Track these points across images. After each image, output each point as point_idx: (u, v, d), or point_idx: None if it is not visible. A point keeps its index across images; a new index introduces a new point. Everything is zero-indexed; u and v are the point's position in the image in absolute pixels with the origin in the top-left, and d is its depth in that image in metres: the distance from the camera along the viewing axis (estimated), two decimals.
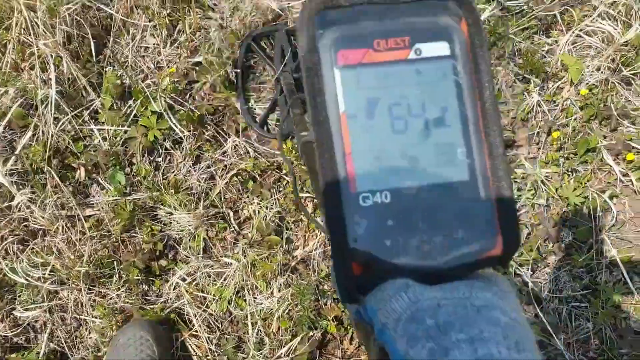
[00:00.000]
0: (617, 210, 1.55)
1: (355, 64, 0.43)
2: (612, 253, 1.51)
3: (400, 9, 0.44)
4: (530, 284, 1.50)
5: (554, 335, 1.45)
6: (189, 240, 1.55)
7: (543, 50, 1.71)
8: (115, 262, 1.55)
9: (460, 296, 0.39)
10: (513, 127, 1.67)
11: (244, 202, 1.60)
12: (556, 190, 1.58)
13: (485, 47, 0.44)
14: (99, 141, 1.61)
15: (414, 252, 0.42)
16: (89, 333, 1.55)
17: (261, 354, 1.49)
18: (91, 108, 1.64)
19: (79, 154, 1.60)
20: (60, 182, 1.55)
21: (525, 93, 1.69)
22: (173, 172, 1.61)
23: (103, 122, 1.62)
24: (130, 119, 1.62)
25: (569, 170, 1.60)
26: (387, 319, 0.40)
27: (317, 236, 1.56)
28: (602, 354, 1.45)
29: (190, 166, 1.60)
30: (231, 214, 1.58)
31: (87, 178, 1.59)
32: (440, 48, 0.43)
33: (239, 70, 1.68)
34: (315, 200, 1.58)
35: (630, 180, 1.58)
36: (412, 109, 0.43)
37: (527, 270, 1.51)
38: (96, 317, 1.54)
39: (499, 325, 0.37)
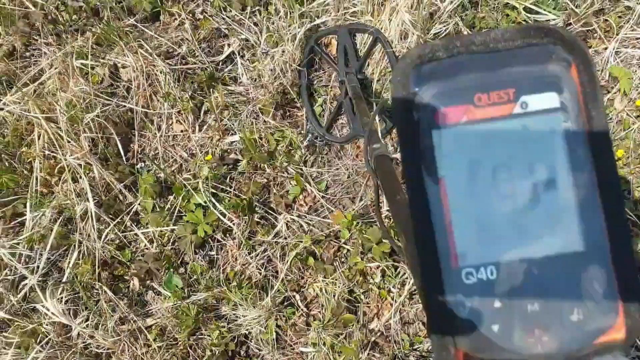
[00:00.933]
0: None
1: (454, 122, 0.39)
2: None
3: (502, 57, 0.39)
4: None
5: None
6: (259, 333, 1.48)
7: None
8: None
9: None
10: None
11: (307, 280, 1.52)
12: (630, 211, 1.49)
13: (599, 94, 0.39)
14: (146, 245, 1.54)
15: (525, 339, 0.37)
16: None
17: None
18: (131, 212, 1.56)
19: (128, 263, 1.52)
20: (114, 297, 1.48)
21: None
22: (229, 263, 1.53)
23: (147, 225, 1.54)
24: (174, 216, 1.54)
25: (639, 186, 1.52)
26: None
27: (391, 304, 1.48)
28: None
29: (246, 254, 1.53)
30: (297, 296, 1.51)
31: (141, 287, 1.52)
32: (548, 100, 0.39)
33: (304, 69, 1.66)
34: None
35: None
36: (519, 171, 0.38)
37: None
38: None
39: None
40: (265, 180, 1.59)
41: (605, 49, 1.62)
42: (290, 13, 1.70)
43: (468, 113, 0.39)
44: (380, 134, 1.47)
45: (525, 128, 0.38)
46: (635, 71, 1.60)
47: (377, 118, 1.55)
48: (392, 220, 1.42)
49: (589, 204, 0.38)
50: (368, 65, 1.69)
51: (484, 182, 0.38)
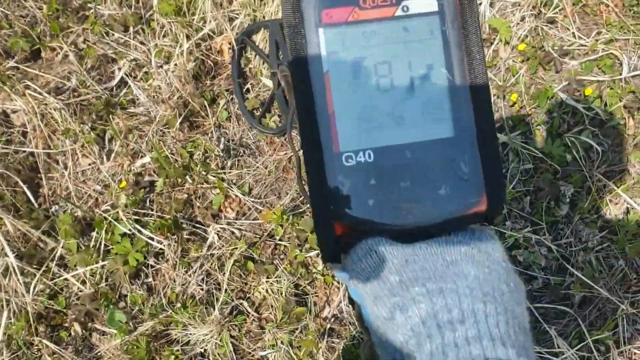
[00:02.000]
0: (597, 145, 1.57)
1: (340, 22, 0.41)
2: (611, 187, 1.53)
3: None
4: (553, 248, 1.50)
5: (594, 285, 1.46)
6: (215, 348, 1.46)
7: None
8: None
9: (431, 252, 0.39)
10: None
11: (251, 285, 1.51)
12: (536, 148, 1.58)
13: (474, 2, 0.43)
14: (79, 287, 1.48)
15: (397, 211, 0.41)
16: None
17: None
18: (56, 257, 1.50)
19: (64, 310, 1.46)
20: (57, 348, 1.41)
21: None
22: (168, 286, 1.50)
23: (75, 267, 1.48)
24: (102, 252, 1.49)
25: (539, 124, 1.61)
26: (358, 280, 0.39)
27: (338, 287, 1.50)
28: None
29: (183, 273, 1.50)
30: (244, 303, 1.49)
31: (84, 331, 1.46)
32: (427, 4, 0.42)
33: (234, 61, 1.65)
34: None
35: (596, 112, 1.60)
36: (398, 67, 0.42)
37: (544, 235, 1.51)
38: None
39: (466, 278, 0.37)
40: (186, 195, 1.56)
41: (480, 4, 1.71)
42: (173, 27, 1.68)
43: (353, 14, 0.41)
44: None
45: (405, 29, 0.42)
46: (512, 20, 1.69)
47: None
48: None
49: (460, 97, 0.42)
50: None
51: (366, 77, 0.41)
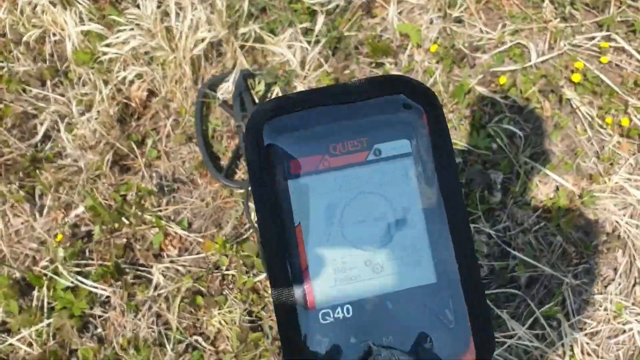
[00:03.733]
0: (519, 131, 1.63)
1: (309, 171, 0.40)
2: (538, 168, 1.59)
3: (357, 107, 0.41)
4: (492, 234, 1.54)
5: (537, 264, 1.50)
6: None
7: (379, 31, 1.76)
8: None
9: None
10: None
11: (203, 319, 1.49)
12: (461, 142, 1.63)
13: (447, 138, 0.42)
14: (25, 351, 1.43)
15: None
16: None
17: None
18: None
19: None
20: None
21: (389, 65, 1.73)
22: (119, 333, 1.47)
23: (19, 330, 1.44)
24: (45, 310, 1.45)
25: (461, 119, 1.67)
26: None
27: None
28: (582, 257, 1.53)
29: (133, 318, 1.47)
30: (199, 339, 1.47)
31: None
32: (400, 146, 0.41)
33: (197, 117, 1.63)
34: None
35: (513, 100, 1.67)
36: (373, 213, 0.40)
37: (483, 223, 1.55)
38: None
39: None
40: (125, 239, 1.54)
41: (387, 14, 1.77)
42: (91, 75, 1.67)
43: (323, 162, 0.40)
44: None
45: (378, 173, 0.41)
46: (421, 24, 1.75)
47: None
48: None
49: (440, 240, 0.40)
50: None
51: (339, 226, 0.40)
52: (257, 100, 1.66)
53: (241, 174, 1.61)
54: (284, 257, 0.39)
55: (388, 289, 0.39)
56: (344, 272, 0.39)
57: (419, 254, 0.40)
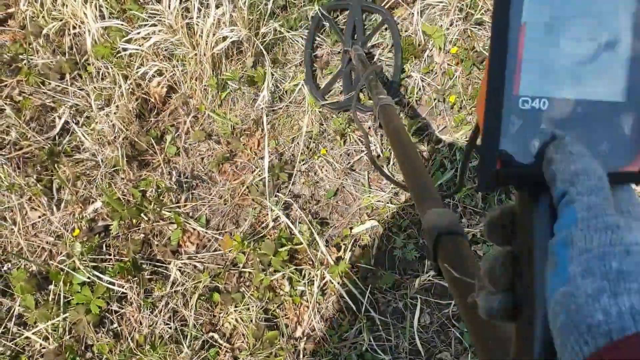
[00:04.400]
0: None
1: None
2: None
3: None
4: None
5: None
6: None
7: (403, 31, 1.76)
8: None
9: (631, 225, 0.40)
10: (413, 109, 1.70)
11: (220, 316, 1.49)
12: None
13: None
14: (41, 344, 1.43)
15: None
16: None
17: None
18: (13, 316, 1.44)
19: None
20: None
21: (406, 77, 1.72)
22: (135, 329, 1.47)
23: (35, 323, 1.44)
24: (62, 304, 1.45)
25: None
26: (580, 249, 0.38)
27: (307, 307, 1.50)
28: None
29: (149, 314, 1.47)
30: (215, 335, 1.47)
31: None
32: None
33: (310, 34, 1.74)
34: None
35: None
36: (589, 30, 0.44)
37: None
38: None
39: None
40: (143, 235, 1.54)
41: (410, 14, 1.76)
42: (110, 69, 1.67)
43: None
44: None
45: None
46: (442, 25, 1.75)
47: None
48: (397, 160, 1.48)
49: (639, 68, 0.44)
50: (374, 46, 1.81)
51: (558, 34, 0.43)
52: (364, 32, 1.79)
53: (337, 96, 1.69)
54: (507, 45, 0.42)
55: (582, 95, 0.43)
56: (549, 74, 0.43)
57: (617, 74, 0.44)
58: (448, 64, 1.73)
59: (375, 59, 1.79)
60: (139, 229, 1.54)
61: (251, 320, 1.46)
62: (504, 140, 0.43)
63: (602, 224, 0.38)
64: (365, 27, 1.83)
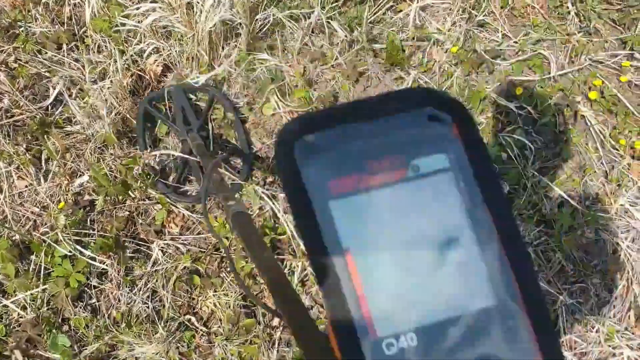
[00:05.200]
0: (530, 143, 1.62)
1: (350, 191, 0.38)
2: (545, 182, 1.58)
3: (386, 123, 0.40)
4: None
5: None
6: None
7: (398, 29, 1.75)
8: None
9: None
10: None
11: (199, 299, 1.50)
12: None
13: (482, 144, 0.41)
14: (19, 314, 1.44)
15: None
16: None
17: None
18: None
19: (4, 338, 1.42)
20: None
21: (402, 73, 1.72)
22: (113, 306, 1.48)
23: (15, 292, 1.45)
24: (42, 275, 1.46)
25: None
26: None
27: None
28: (579, 276, 1.53)
29: (128, 292, 1.48)
30: (192, 318, 1.48)
31: (26, 358, 1.42)
32: (438, 161, 0.39)
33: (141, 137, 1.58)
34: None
35: (528, 110, 1.65)
36: (421, 233, 0.38)
37: None
38: None
39: None
40: (128, 212, 1.54)
41: (410, 8, 1.75)
42: (108, 43, 1.66)
43: (362, 181, 0.38)
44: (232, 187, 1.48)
45: (420, 190, 0.39)
46: (444, 25, 1.74)
47: (224, 170, 1.54)
48: (261, 278, 1.39)
49: (494, 257, 0.38)
50: (209, 122, 1.64)
51: (390, 248, 0.38)
52: (196, 114, 1.61)
53: (191, 187, 1.59)
54: (339, 285, 0.36)
55: (449, 313, 0.37)
56: (401, 299, 0.37)
57: (475, 274, 0.38)
58: (448, 65, 1.72)
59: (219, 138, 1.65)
60: (124, 206, 1.55)
61: (229, 306, 1.47)
62: None
63: None
64: (198, 107, 1.66)
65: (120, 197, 1.53)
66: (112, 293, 1.48)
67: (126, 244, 1.51)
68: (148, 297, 1.48)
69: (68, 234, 1.47)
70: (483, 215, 0.39)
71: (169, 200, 1.54)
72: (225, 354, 1.44)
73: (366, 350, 0.36)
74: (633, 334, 1.46)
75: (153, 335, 1.43)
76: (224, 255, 1.52)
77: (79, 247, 1.47)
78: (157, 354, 1.42)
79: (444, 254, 0.38)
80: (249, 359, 1.43)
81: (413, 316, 0.37)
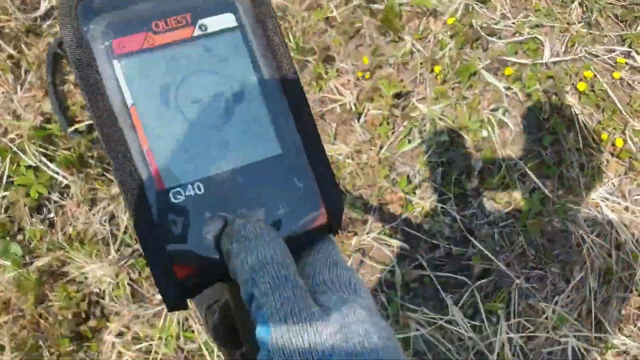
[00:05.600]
0: (512, 125, 1.61)
1: (135, 50, 0.38)
2: (520, 166, 1.57)
3: None
4: (458, 218, 1.53)
5: (494, 259, 1.50)
6: (113, 289, 1.44)
7: None
8: (40, 341, 1.40)
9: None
10: (398, 72, 1.67)
11: None
12: (453, 122, 1.61)
13: (269, 5, 0.42)
14: None
15: None
16: None
17: None
18: None
19: None
20: None
21: (396, 37, 1.70)
22: (70, 223, 1.47)
23: None
24: (4, 182, 1.45)
25: (459, 99, 1.64)
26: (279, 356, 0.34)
27: None
28: (539, 262, 1.53)
29: (87, 211, 1.47)
30: None
31: None
32: (225, 20, 0.40)
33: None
34: None
35: (515, 92, 1.64)
36: (209, 89, 0.39)
37: (452, 206, 1.54)
38: None
39: None
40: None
41: None
42: None
43: (148, 40, 0.38)
44: None
45: (207, 49, 0.40)
46: None
47: None
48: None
49: (279, 111, 0.40)
50: None
51: (177, 105, 0.38)
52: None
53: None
54: (124, 137, 0.36)
55: (236, 163, 0.39)
56: (188, 151, 0.38)
57: (261, 126, 0.40)
58: (442, 35, 1.70)
59: None
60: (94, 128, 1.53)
61: None
62: (172, 248, 0.37)
63: (296, 329, 0.33)
64: None
65: None
66: (70, 210, 1.48)
67: (91, 163, 1.50)
68: (106, 220, 1.48)
69: (34, 143, 1.46)
70: (270, 71, 0.41)
71: None
72: None
73: (153, 202, 0.37)
74: (582, 326, 1.46)
75: (106, 256, 1.43)
76: None
77: (44, 160, 1.46)
78: (106, 275, 1.42)
79: (231, 107, 0.39)
80: None
81: (201, 168, 0.38)
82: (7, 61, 1.55)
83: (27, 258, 1.42)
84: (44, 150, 1.48)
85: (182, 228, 0.37)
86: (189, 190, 0.38)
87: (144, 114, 0.37)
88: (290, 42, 1.67)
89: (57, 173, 1.46)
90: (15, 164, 1.46)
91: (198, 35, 0.40)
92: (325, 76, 1.65)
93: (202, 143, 0.38)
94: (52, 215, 1.47)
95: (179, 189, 0.37)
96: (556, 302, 1.48)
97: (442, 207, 1.53)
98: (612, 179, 1.58)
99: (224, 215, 0.38)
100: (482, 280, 1.50)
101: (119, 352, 1.41)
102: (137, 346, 1.40)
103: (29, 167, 1.45)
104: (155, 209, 0.37)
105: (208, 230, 0.37)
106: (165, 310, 1.42)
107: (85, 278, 1.43)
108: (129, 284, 1.44)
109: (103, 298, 1.45)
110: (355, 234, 1.51)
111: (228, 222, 0.38)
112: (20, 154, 1.44)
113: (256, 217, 0.38)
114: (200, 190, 0.38)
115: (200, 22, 0.40)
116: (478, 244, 1.52)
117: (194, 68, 0.39)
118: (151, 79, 0.38)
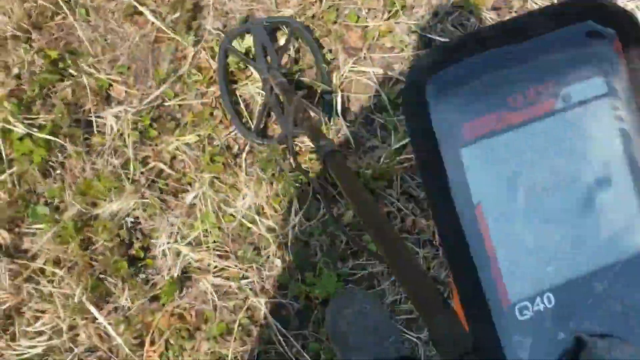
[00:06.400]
0: None
1: (486, 133, 0.33)
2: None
3: (532, 45, 0.34)
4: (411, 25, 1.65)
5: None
6: (144, 211, 1.51)
7: None
8: (101, 278, 1.47)
9: None
10: None
11: (160, 146, 1.56)
12: None
13: None
14: None
15: None
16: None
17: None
18: None
19: None
20: None
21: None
22: (81, 175, 1.54)
23: None
24: (5, 161, 1.51)
25: None
26: None
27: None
28: None
29: (90, 159, 1.54)
30: (160, 164, 1.55)
31: (13, 237, 1.48)
32: (593, 86, 0.34)
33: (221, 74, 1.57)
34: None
35: None
36: (568, 175, 0.33)
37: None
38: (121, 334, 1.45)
39: None
40: (71, 90, 1.59)
41: None
42: None
43: (502, 120, 0.33)
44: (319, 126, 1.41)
45: (570, 124, 0.33)
46: None
47: (310, 111, 1.49)
48: (360, 221, 1.25)
49: None
50: (290, 57, 1.64)
51: (528, 198, 0.33)
52: (277, 52, 1.57)
53: (271, 130, 1.61)
54: (466, 248, 0.32)
55: (594, 265, 0.32)
56: (538, 254, 0.32)
57: (628, 217, 0.33)
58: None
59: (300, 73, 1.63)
60: (61, 88, 1.59)
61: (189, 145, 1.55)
62: None
63: None
64: (278, 44, 1.64)
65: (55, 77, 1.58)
66: (74, 167, 1.53)
67: (78, 119, 1.57)
68: (110, 154, 1.54)
69: (18, 117, 1.52)
70: None
71: (106, 76, 1.59)
72: (199, 179, 1.51)
73: (496, 320, 0.32)
74: None
75: (126, 186, 1.50)
76: (178, 103, 1.59)
77: (34, 130, 1.52)
78: (132, 203, 1.49)
79: (592, 197, 0.33)
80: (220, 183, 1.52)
81: (551, 273, 0.33)
82: None
83: (56, 216, 1.49)
84: (28, 122, 1.53)
85: (530, 352, 0.32)
86: (538, 303, 0.32)
87: (491, 212, 0.33)
88: None
89: (49, 137, 1.52)
90: (8, 142, 1.51)
91: (559, 108, 0.33)
92: None
93: (555, 242, 0.33)
94: (59, 172, 1.53)
95: (526, 302, 0.32)
96: None
97: (395, 22, 1.65)
98: None
99: (579, 335, 0.32)
100: None
101: (176, 254, 1.48)
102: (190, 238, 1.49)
103: (20, 138, 1.51)
104: (500, 328, 0.32)
105: (559, 353, 0.32)
106: (196, 197, 1.49)
107: (117, 212, 1.50)
108: (158, 198, 1.52)
109: (139, 222, 1.52)
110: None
111: (587, 343, 0.32)
112: (9, 127, 1.50)
113: (619, 335, 0.32)
114: (550, 303, 0.32)
115: (565, 90, 0.33)
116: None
117: (551, 149, 0.33)
118: (500, 167, 0.33)
